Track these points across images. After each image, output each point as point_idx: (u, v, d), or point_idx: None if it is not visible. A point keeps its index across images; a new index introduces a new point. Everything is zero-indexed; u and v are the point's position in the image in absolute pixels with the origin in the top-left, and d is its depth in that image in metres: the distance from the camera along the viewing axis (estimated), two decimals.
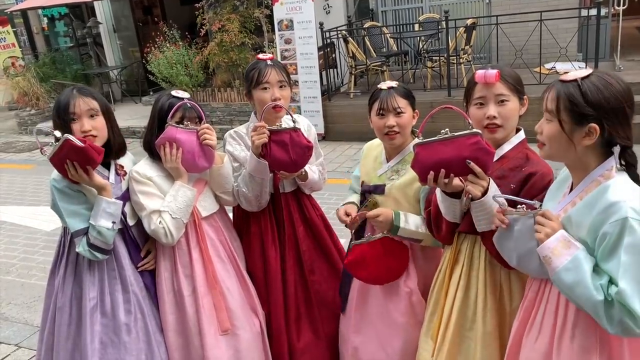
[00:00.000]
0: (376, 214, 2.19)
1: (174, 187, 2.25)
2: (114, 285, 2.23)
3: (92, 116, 2.16)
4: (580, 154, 1.56)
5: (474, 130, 1.71)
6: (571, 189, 1.65)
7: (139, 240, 2.34)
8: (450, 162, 1.72)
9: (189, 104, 2.27)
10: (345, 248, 2.57)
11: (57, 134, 2.03)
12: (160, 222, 2.22)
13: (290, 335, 2.50)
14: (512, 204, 1.78)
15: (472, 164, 1.70)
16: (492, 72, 1.85)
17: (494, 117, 1.86)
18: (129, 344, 2.20)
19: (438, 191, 1.92)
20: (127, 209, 2.28)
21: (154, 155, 2.31)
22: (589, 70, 1.56)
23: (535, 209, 1.62)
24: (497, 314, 1.95)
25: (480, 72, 1.88)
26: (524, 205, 1.66)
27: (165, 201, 2.23)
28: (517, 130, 1.97)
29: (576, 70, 1.58)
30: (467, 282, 1.98)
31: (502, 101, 1.87)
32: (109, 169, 2.28)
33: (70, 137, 2.02)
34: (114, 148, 2.28)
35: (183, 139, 2.19)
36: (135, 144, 8.64)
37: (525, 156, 1.91)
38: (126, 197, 2.28)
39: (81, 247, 2.15)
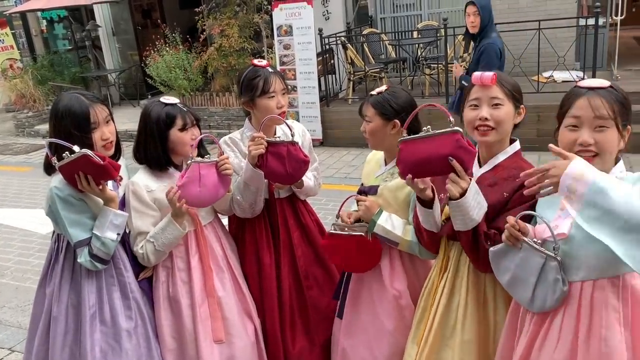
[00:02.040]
0: (364, 198, 2.21)
1: (166, 220, 2.21)
2: (112, 292, 2.20)
3: (107, 122, 2.15)
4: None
5: (455, 128, 1.69)
6: None
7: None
8: (431, 159, 1.71)
9: (184, 108, 2.26)
10: None
11: (76, 148, 1.99)
12: (142, 247, 2.21)
13: (285, 341, 2.49)
14: (503, 204, 1.81)
15: (454, 162, 1.68)
16: (489, 74, 1.85)
17: (486, 118, 1.85)
18: (130, 350, 2.18)
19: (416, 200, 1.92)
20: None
21: (154, 167, 2.29)
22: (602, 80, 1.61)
23: (554, 249, 1.60)
24: (478, 324, 1.93)
25: (477, 74, 1.88)
26: (536, 239, 1.66)
27: (153, 231, 2.21)
28: (512, 141, 1.96)
29: (591, 79, 1.62)
30: (451, 289, 1.98)
31: (496, 104, 1.86)
32: None
33: (89, 152, 1.98)
34: (117, 152, 2.27)
35: (206, 174, 2.16)
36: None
37: (519, 167, 1.89)
38: (124, 203, 2.26)
39: (83, 258, 2.11)
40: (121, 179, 2.28)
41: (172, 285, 2.32)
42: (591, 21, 6.63)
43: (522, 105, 1.94)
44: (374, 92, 2.22)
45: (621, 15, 7.17)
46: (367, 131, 2.22)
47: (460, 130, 1.69)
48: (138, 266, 2.31)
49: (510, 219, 1.69)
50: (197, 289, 2.30)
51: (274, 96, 2.36)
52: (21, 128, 10.54)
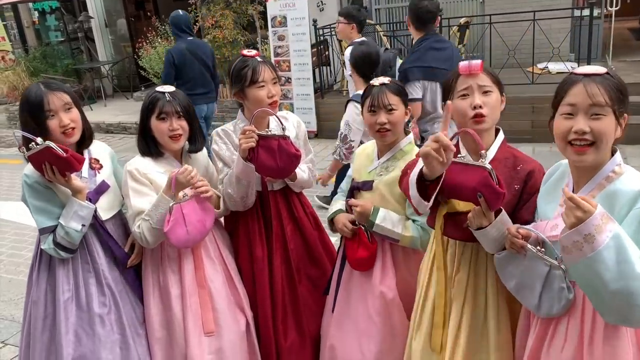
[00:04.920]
0: (356, 204, 2.19)
1: (158, 196, 2.21)
2: (88, 278, 2.25)
3: (67, 109, 2.16)
4: (607, 150, 1.54)
5: (485, 164, 1.64)
6: (573, 190, 1.62)
7: (114, 234, 2.34)
8: (458, 186, 1.70)
9: (167, 97, 2.24)
10: (336, 245, 2.57)
11: (39, 140, 2.03)
12: (138, 226, 2.21)
13: (277, 334, 2.48)
14: (518, 197, 1.76)
15: (482, 201, 1.65)
16: (477, 62, 1.85)
17: (481, 106, 1.82)
18: (103, 336, 2.22)
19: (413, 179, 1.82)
20: (102, 202, 2.28)
21: (148, 154, 2.31)
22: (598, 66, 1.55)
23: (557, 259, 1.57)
24: (509, 319, 1.91)
25: (464, 63, 1.86)
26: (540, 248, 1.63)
27: (148, 209, 2.21)
28: (497, 132, 1.94)
29: (587, 66, 1.56)
30: (474, 291, 1.92)
31: (486, 92, 1.85)
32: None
33: (52, 145, 2.02)
34: (86, 138, 2.29)
35: (189, 212, 2.20)
36: (126, 140, 8.58)
37: (512, 155, 1.89)
38: (100, 191, 2.28)
39: (46, 245, 2.17)
40: (101, 167, 2.32)
41: (162, 275, 2.32)
42: (586, 12, 6.63)
43: (504, 93, 1.93)
44: (385, 81, 2.17)
45: (616, 7, 7.16)
46: (391, 122, 2.14)
47: (490, 167, 1.62)
48: (118, 250, 2.31)
49: (512, 229, 1.66)
50: (187, 279, 2.30)
51: (263, 85, 2.32)
52: (14, 121, 10.44)
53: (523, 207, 1.82)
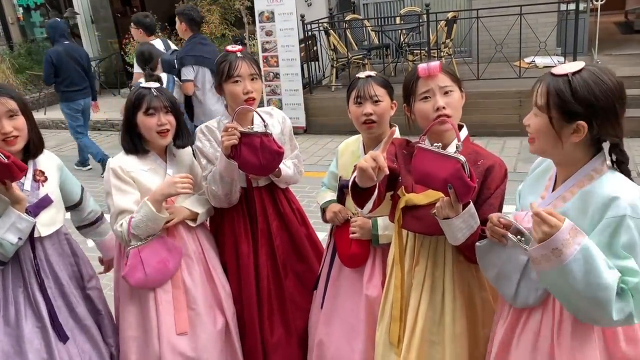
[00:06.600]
0: (355, 219, 2.21)
1: (142, 202, 2.18)
2: (18, 295, 2.11)
3: (11, 117, 2.04)
4: (569, 150, 1.52)
5: (458, 156, 1.61)
6: (554, 183, 1.63)
7: (53, 252, 2.21)
8: (431, 175, 1.68)
9: (154, 93, 2.22)
10: (324, 242, 2.57)
11: None
12: (120, 225, 2.18)
13: (263, 330, 2.47)
14: (478, 193, 1.76)
15: (452, 192, 1.63)
16: (435, 64, 1.84)
17: (444, 107, 1.82)
18: (32, 354, 2.09)
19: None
20: (42, 217, 2.13)
21: (133, 151, 2.28)
22: (581, 64, 1.50)
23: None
24: (468, 315, 1.92)
25: (422, 66, 1.85)
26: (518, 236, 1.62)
27: (134, 210, 2.18)
28: (460, 128, 1.93)
29: (568, 63, 1.54)
30: (432, 283, 1.93)
31: (447, 92, 1.85)
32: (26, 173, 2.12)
33: None
34: (32, 148, 2.15)
35: (148, 256, 2.18)
36: (114, 137, 8.51)
37: (474, 151, 1.89)
38: (41, 205, 2.14)
39: None
40: (46, 179, 2.19)
41: None
42: (572, 6, 6.67)
43: (463, 88, 1.92)
44: (370, 74, 2.17)
45: (601, 1, 7.21)
46: (377, 113, 2.13)
47: (463, 160, 1.59)
48: (49, 269, 2.19)
49: (493, 217, 1.65)
50: None
51: (238, 81, 2.30)
52: None
53: (484, 204, 1.81)
